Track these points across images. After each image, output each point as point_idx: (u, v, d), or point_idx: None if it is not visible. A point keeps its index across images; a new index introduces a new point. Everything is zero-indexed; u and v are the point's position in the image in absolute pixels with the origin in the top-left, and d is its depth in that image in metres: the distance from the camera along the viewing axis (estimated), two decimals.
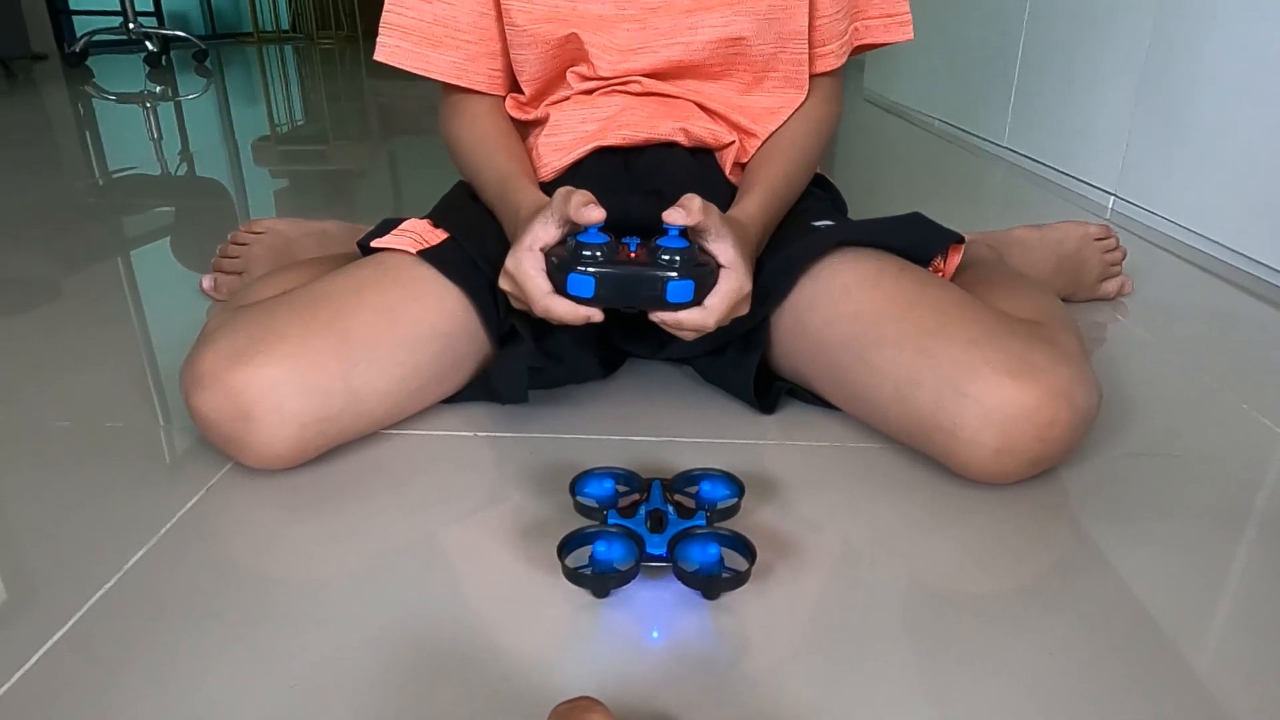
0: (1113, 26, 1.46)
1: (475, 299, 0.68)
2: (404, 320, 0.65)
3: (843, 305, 0.66)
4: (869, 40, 0.83)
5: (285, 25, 7.31)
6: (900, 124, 2.60)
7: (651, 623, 0.47)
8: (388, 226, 0.73)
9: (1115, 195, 1.43)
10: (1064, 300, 0.96)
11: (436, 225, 0.73)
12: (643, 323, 0.67)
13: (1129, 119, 1.39)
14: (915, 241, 0.72)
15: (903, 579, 0.51)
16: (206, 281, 0.97)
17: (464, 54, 0.79)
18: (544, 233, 0.61)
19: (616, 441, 0.67)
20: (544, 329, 0.69)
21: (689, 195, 0.61)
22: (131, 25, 4.09)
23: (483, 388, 0.72)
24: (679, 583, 0.48)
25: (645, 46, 0.77)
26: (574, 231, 0.60)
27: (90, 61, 4.16)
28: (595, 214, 0.59)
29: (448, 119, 0.83)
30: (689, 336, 0.62)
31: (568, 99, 0.81)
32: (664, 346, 0.76)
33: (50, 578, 0.52)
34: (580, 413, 0.72)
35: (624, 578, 0.47)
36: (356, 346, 0.62)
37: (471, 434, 0.68)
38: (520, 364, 0.67)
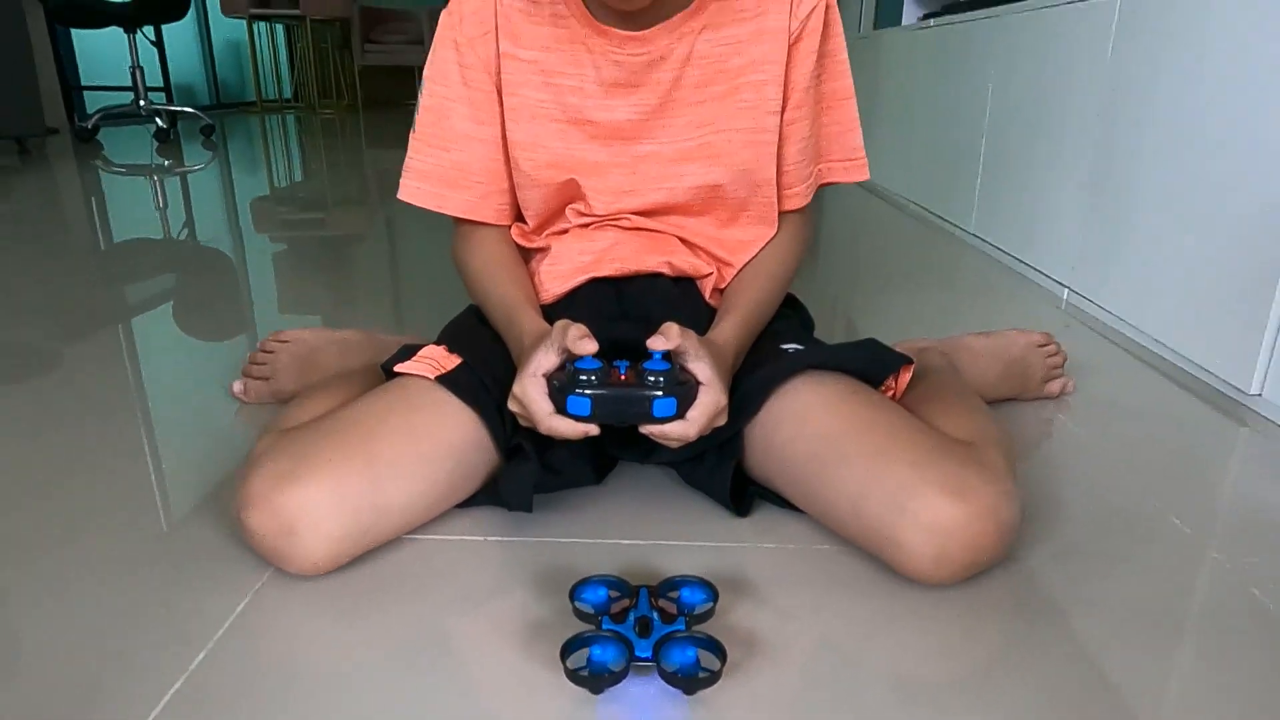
0: (1063, 133, 1.59)
1: (485, 418, 0.78)
2: (425, 440, 0.75)
3: (806, 426, 0.76)
4: (831, 180, 0.95)
5: (288, 94, 7.53)
6: (881, 204, 2.74)
7: (640, 717, 0.56)
8: (408, 352, 0.83)
9: (1069, 288, 1.55)
10: (1011, 399, 1.07)
11: (451, 351, 0.83)
12: (633, 432, 0.77)
13: (1080, 217, 1.51)
14: (870, 365, 0.83)
15: (861, 673, 0.60)
16: (237, 386, 1.07)
17: (476, 194, 0.90)
18: (545, 360, 0.71)
19: (608, 545, 0.77)
20: (546, 442, 0.79)
21: (668, 324, 0.72)
22: (142, 102, 4.25)
23: (491, 495, 0.81)
24: (663, 681, 0.57)
25: (635, 190, 0.89)
26: (572, 358, 0.71)
27: (101, 135, 4.31)
28: (589, 346, 0.69)
29: (459, 245, 0.94)
30: (674, 445, 0.73)
31: (566, 231, 0.92)
32: (651, 453, 0.86)
33: (117, 683, 0.60)
34: (577, 517, 0.81)
35: (616, 677, 0.56)
36: (383, 467, 0.72)
37: (482, 538, 0.78)
38: (526, 478, 0.76)
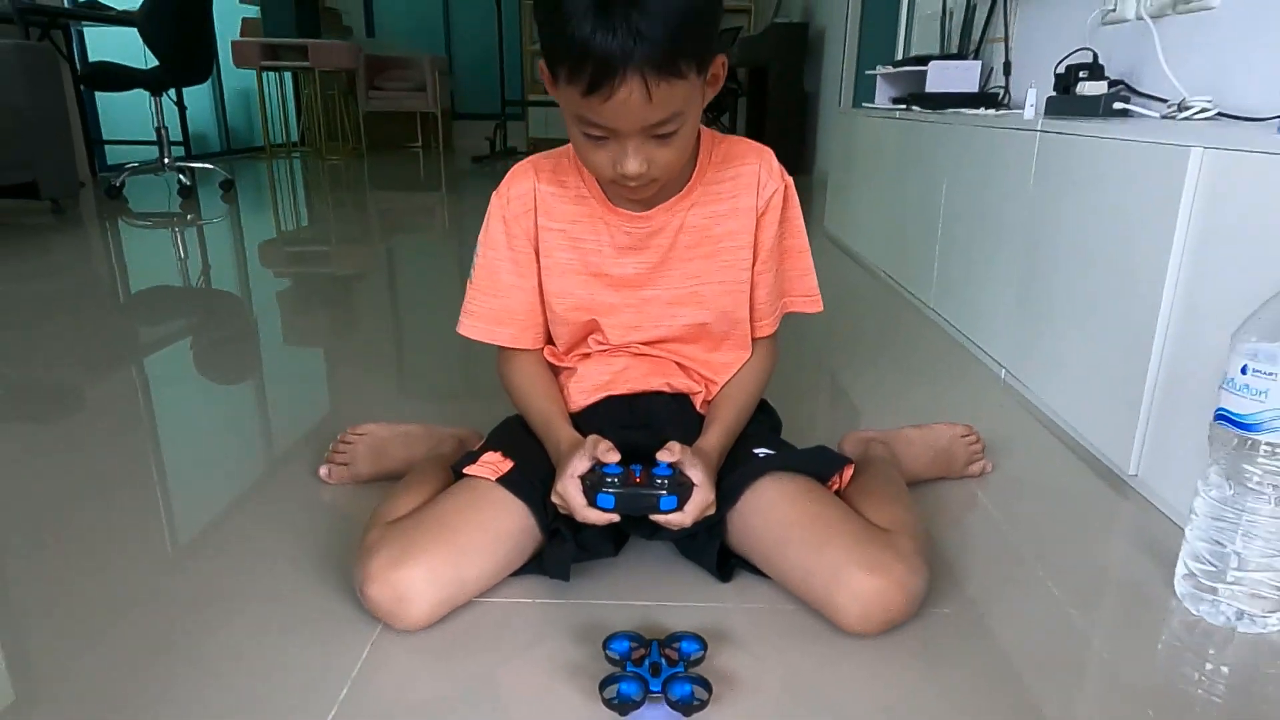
0: (999, 236, 1.87)
1: (533, 509, 1.05)
2: (491, 528, 1.02)
3: (770, 515, 1.03)
4: (793, 309, 1.23)
5: (295, 138, 7.82)
6: (854, 267, 3.02)
7: None
8: (472, 458, 1.10)
9: (1006, 368, 1.83)
10: (940, 478, 1.35)
11: (505, 455, 1.10)
12: (643, 519, 1.04)
13: (1014, 308, 1.79)
14: (821, 467, 1.10)
15: (814, 697, 0.87)
16: (323, 471, 1.34)
17: (518, 328, 1.18)
18: (580, 465, 0.99)
19: (625, 605, 1.03)
20: (579, 526, 1.06)
21: (671, 443, 0.99)
22: (166, 160, 4.53)
23: (536, 566, 1.08)
24: (668, 708, 0.83)
25: (641, 325, 1.16)
26: (599, 463, 0.98)
27: (126, 189, 4.58)
28: (614, 457, 0.97)
29: (504, 365, 1.21)
30: (674, 529, 1.00)
31: (589, 355, 1.20)
32: (656, 533, 1.13)
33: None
34: (601, 583, 1.08)
35: (637, 705, 0.83)
36: (464, 553, 0.98)
37: (531, 600, 1.04)
38: (565, 555, 1.03)
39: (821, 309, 1.23)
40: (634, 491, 0.96)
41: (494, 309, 1.16)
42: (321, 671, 0.91)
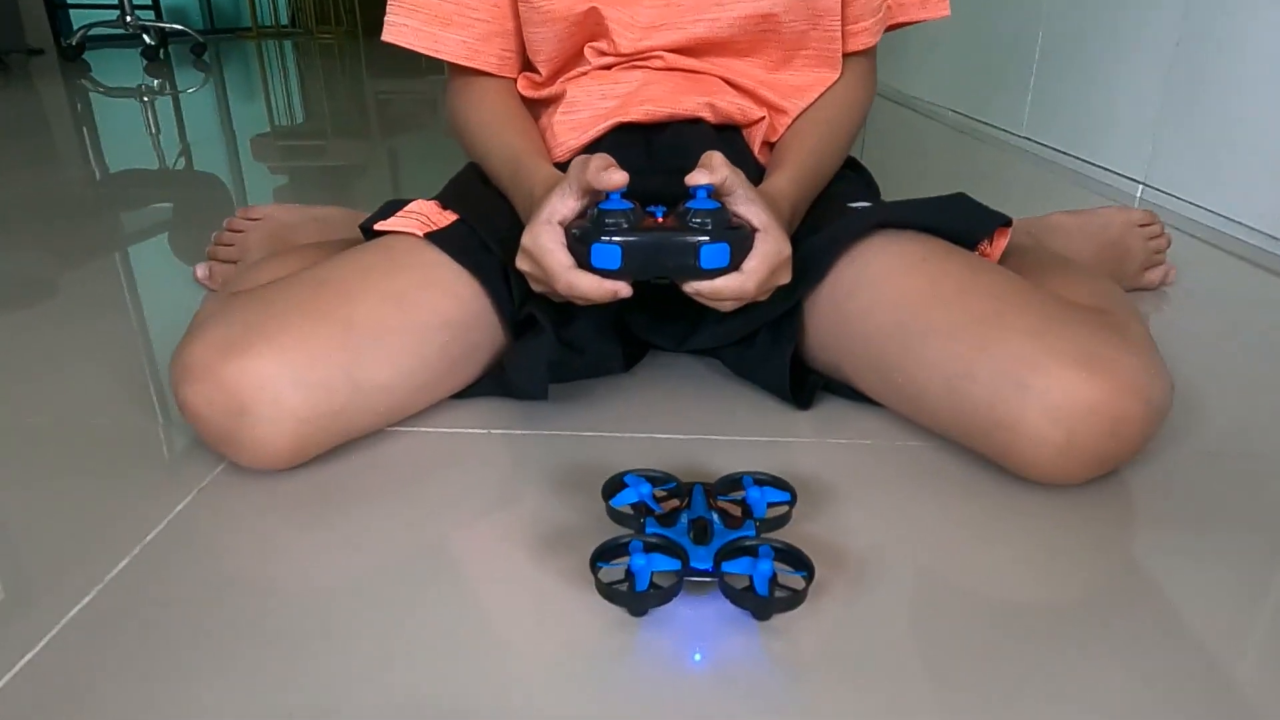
0: (1139, 10, 1.41)
1: (488, 285, 0.63)
2: (412, 308, 0.60)
3: (886, 291, 0.61)
4: (905, 18, 0.79)
5: (284, 20, 7.26)
6: (913, 116, 2.55)
7: (694, 645, 0.42)
8: (393, 208, 0.68)
9: (1144, 184, 1.38)
10: None
11: (445, 207, 0.68)
12: (666, 312, 0.62)
13: (1158, 104, 1.34)
14: (961, 223, 0.67)
15: (962, 593, 0.46)
16: (201, 270, 0.92)
17: (476, 33, 0.74)
18: (562, 205, 0.56)
19: (641, 439, 0.62)
20: (563, 317, 0.64)
21: (709, 153, 0.56)
22: (129, 19, 4.03)
23: (497, 383, 0.67)
24: (726, 601, 0.43)
25: (669, 23, 0.72)
26: (595, 202, 0.56)
27: (87, 55, 4.11)
28: (618, 177, 0.54)
29: (454, 100, 0.78)
30: (728, 307, 0.58)
31: (585, 74, 0.76)
32: (688, 338, 0.71)
33: (25, 589, 0.47)
34: (601, 408, 0.67)
35: (665, 595, 0.42)
36: (361, 336, 0.57)
37: (485, 431, 0.63)
38: (540, 356, 0.61)
39: (949, 13, 0.79)
40: (656, 238, 0.54)
41: (438, 2, 0.73)
42: (103, 536, 0.51)
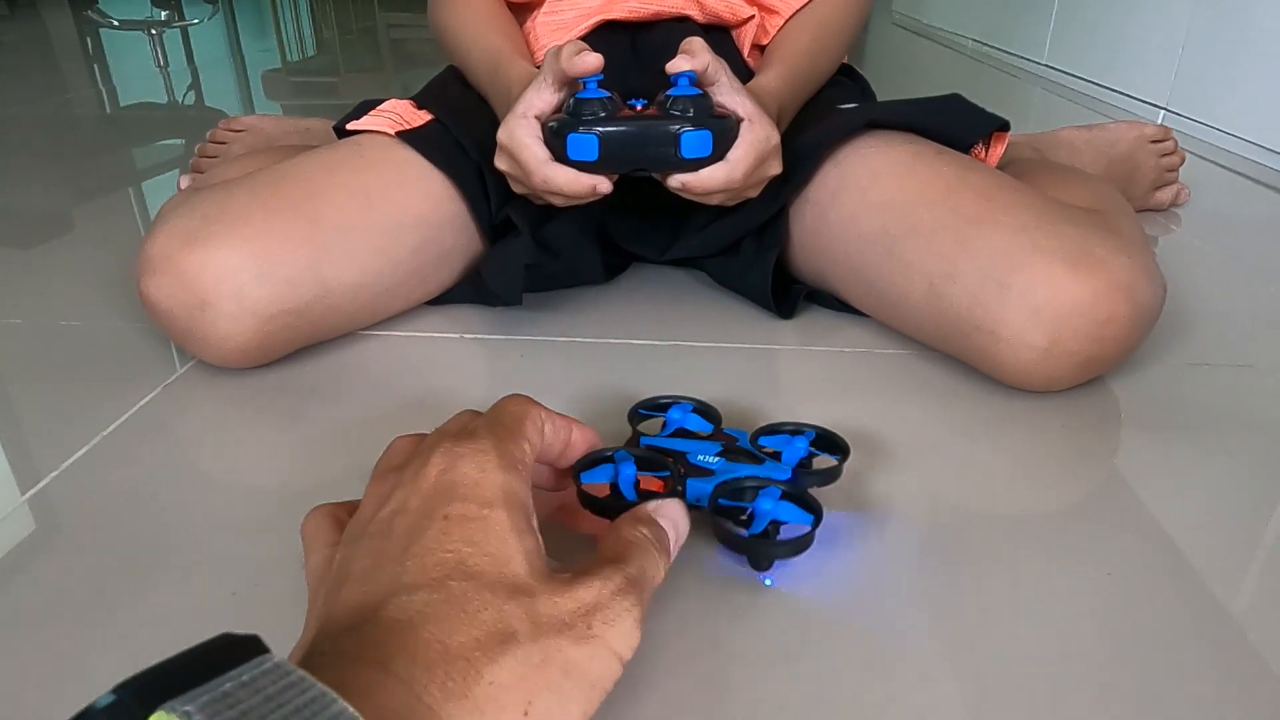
0: None
1: (462, 187, 0.62)
2: (382, 206, 0.58)
3: (871, 194, 0.59)
4: None
5: None
6: (931, 46, 2.47)
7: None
8: (366, 107, 0.66)
9: (1166, 109, 1.33)
10: None
11: (420, 106, 0.66)
12: (650, 220, 0.60)
13: (1184, 27, 1.28)
14: (954, 124, 0.64)
15: (946, 498, 0.45)
16: (184, 181, 0.90)
17: None
18: (538, 98, 0.54)
19: (617, 345, 0.61)
20: (542, 216, 0.62)
21: (690, 38, 0.53)
22: None
23: (471, 288, 0.65)
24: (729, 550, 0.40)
25: None
26: (573, 94, 0.53)
27: None
28: (591, 60, 0.52)
29: (435, 5, 0.75)
30: (716, 200, 0.56)
31: None
32: (670, 245, 0.69)
33: None
34: (579, 315, 0.65)
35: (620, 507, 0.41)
36: (327, 231, 0.55)
37: (458, 336, 0.62)
38: (516, 260, 0.60)
39: None
40: (635, 126, 0.52)
41: None
42: (56, 432, 0.51)
